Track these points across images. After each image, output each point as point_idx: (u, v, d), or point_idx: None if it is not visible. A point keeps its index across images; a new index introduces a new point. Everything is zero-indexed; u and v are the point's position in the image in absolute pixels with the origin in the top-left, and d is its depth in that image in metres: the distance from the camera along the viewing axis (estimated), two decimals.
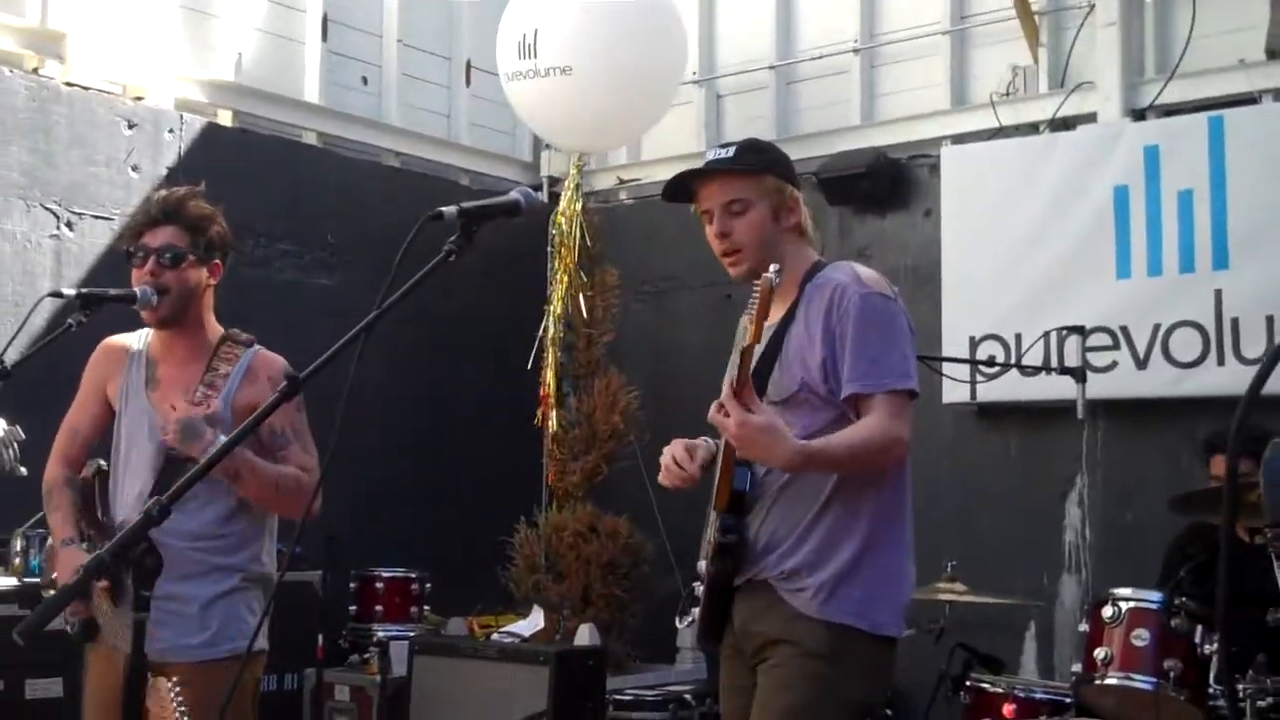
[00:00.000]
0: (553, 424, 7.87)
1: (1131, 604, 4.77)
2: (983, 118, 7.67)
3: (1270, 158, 6.58)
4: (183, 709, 3.08)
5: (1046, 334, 6.69)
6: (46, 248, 6.72)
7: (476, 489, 8.23)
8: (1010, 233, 7.20)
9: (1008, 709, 5.26)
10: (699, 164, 3.75)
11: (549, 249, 8.16)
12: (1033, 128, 7.51)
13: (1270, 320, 6.47)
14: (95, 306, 3.91)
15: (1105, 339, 6.83)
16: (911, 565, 3.61)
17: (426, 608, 7.27)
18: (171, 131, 7.23)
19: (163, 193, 4.08)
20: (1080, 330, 6.47)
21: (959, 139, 7.72)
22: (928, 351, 6.74)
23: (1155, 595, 4.76)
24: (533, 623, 7.14)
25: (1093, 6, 7.38)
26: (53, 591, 3.92)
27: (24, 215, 6.65)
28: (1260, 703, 4.46)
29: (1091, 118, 7.32)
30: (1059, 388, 6.44)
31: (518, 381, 8.01)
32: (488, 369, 8.35)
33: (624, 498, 7.84)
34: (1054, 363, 6.68)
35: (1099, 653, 4.75)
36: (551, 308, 7.93)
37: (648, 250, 8.66)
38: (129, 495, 3.95)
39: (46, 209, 6.73)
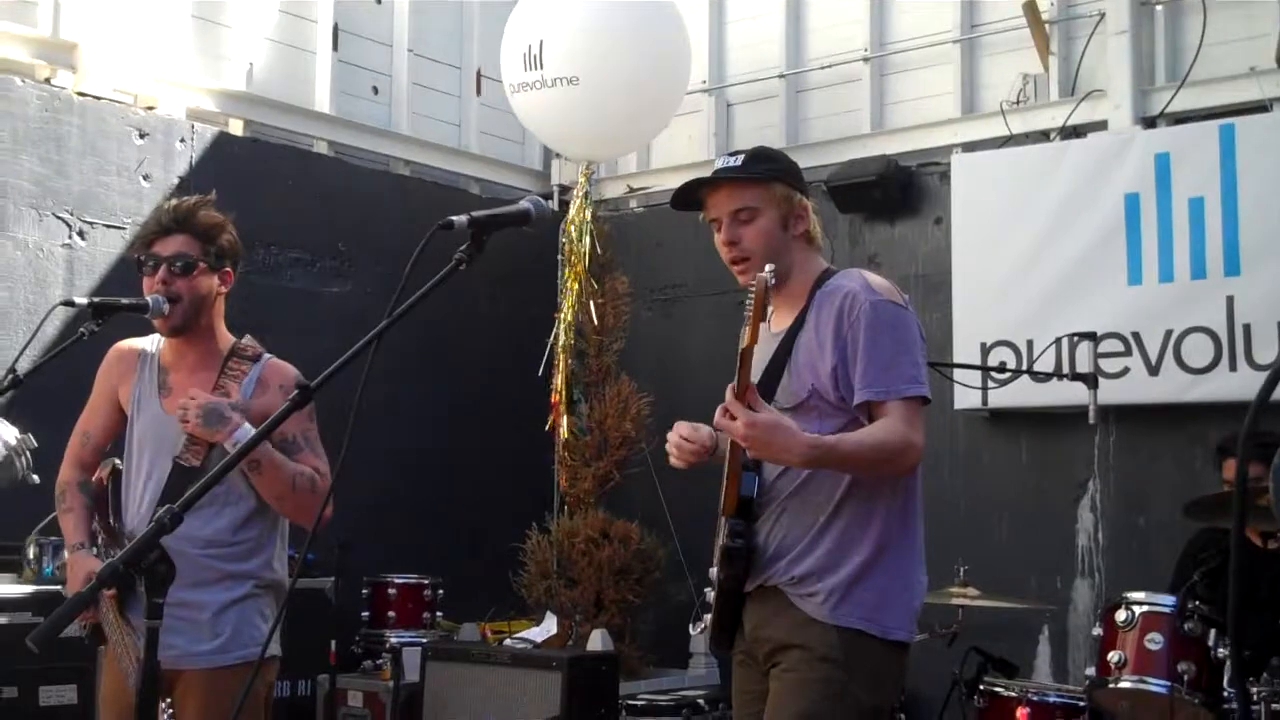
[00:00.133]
0: (564, 431, 7.89)
1: (1145, 608, 4.77)
2: (993, 126, 7.67)
3: None
4: None
5: (1058, 340, 6.69)
6: (59, 257, 6.74)
7: (488, 495, 8.24)
8: (1021, 240, 7.20)
9: (1021, 713, 5.26)
10: (708, 172, 3.75)
11: (559, 257, 8.18)
12: (1043, 136, 7.51)
13: None
14: (107, 315, 3.93)
15: (1117, 345, 6.82)
16: (923, 571, 3.61)
17: (439, 614, 7.28)
18: (183, 141, 7.25)
19: (173, 202, 4.09)
20: (1092, 336, 6.48)
21: (969, 147, 7.72)
22: (939, 358, 6.77)
23: (1168, 599, 4.76)
24: (545, 629, 7.16)
25: (1103, 15, 7.38)
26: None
27: (36, 224, 6.67)
28: (1275, 705, 4.47)
29: (1102, 125, 7.32)
30: (1071, 394, 6.44)
31: (529, 388, 8.02)
32: (499, 376, 8.36)
33: (636, 503, 7.85)
34: (1066, 369, 6.68)
35: (1112, 656, 4.75)
36: (562, 315, 7.94)
37: (658, 258, 8.67)
38: (138, 502, 3.97)
39: (58, 218, 6.76)
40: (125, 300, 3.97)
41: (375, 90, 8.54)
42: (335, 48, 8.20)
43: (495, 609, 7.65)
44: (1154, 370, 6.76)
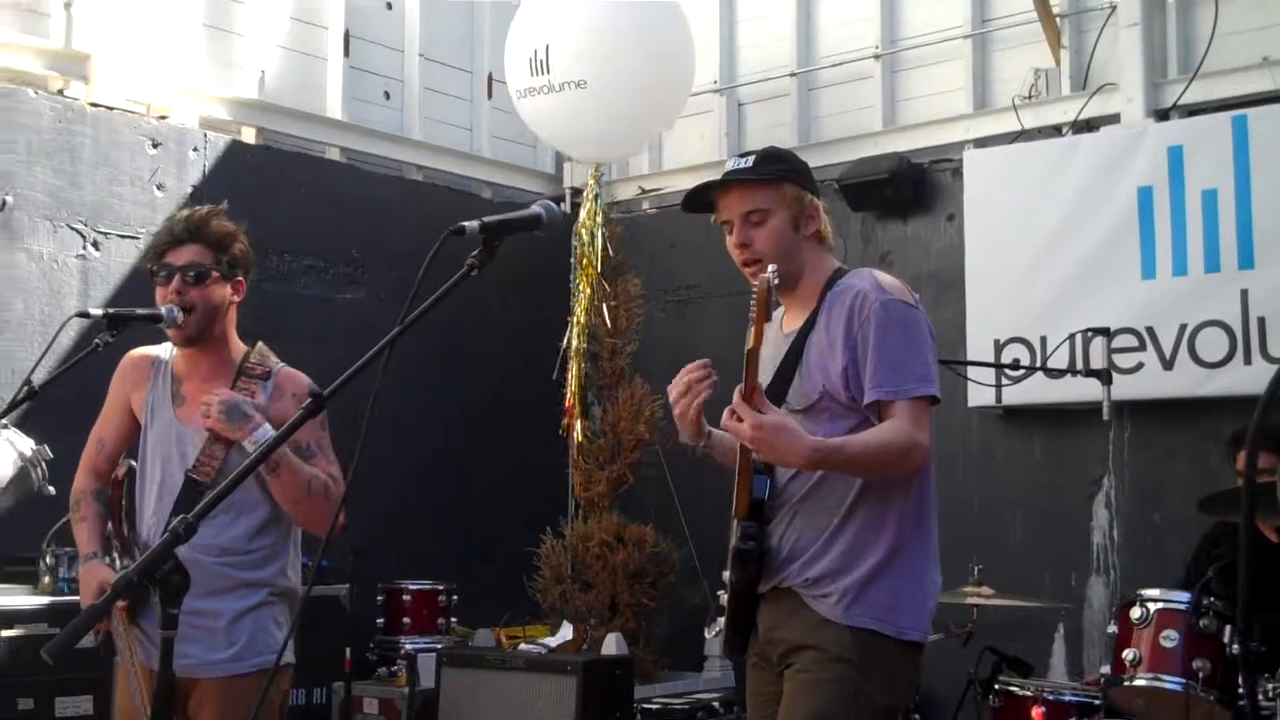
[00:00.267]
0: (578, 434, 7.89)
1: (1160, 605, 4.75)
2: (1005, 121, 7.66)
3: None
4: None
5: (1072, 336, 6.67)
6: (73, 268, 6.77)
7: (502, 500, 8.25)
8: (1034, 235, 7.19)
9: (1037, 712, 5.25)
10: (720, 172, 3.75)
11: (571, 260, 8.18)
12: (1055, 130, 7.49)
13: None
14: (122, 326, 3.94)
15: (1131, 340, 6.80)
16: (938, 571, 3.61)
17: (454, 619, 7.29)
18: (196, 150, 7.27)
19: (185, 212, 4.10)
20: (1105, 332, 6.46)
21: (981, 143, 7.71)
22: (952, 355, 6.76)
23: (1183, 596, 4.74)
24: (561, 637, 7.17)
25: (1114, 7, 7.37)
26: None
27: (50, 235, 6.70)
28: None
29: (1114, 119, 7.30)
30: (1085, 389, 6.42)
31: (543, 392, 8.03)
32: (512, 380, 8.37)
33: (650, 507, 7.86)
34: (1079, 365, 6.66)
35: (1127, 654, 4.74)
36: (574, 318, 7.94)
37: (670, 259, 8.67)
38: (151, 511, 3.98)
39: (73, 229, 6.78)
40: (140, 311, 3.98)
41: (387, 96, 8.56)
42: (346, 54, 8.21)
43: (510, 614, 7.66)
44: (1168, 365, 6.74)
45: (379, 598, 7.15)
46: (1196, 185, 6.77)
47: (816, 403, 3.51)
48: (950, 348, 7.05)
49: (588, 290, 7.94)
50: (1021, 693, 5.36)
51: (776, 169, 3.66)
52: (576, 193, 8.97)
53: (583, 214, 8.09)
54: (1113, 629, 4.87)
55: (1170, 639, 4.67)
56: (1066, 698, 5.33)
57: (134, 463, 4.08)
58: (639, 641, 7.47)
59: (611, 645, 6.91)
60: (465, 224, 2.92)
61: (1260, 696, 4.50)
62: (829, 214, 3.77)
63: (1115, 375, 6.32)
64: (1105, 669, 4.89)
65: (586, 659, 6.43)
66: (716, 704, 6.64)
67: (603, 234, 8.04)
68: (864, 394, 3.45)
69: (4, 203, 6.53)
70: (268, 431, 3.83)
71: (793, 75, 8.57)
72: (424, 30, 8.65)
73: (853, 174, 7.85)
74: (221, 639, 3.86)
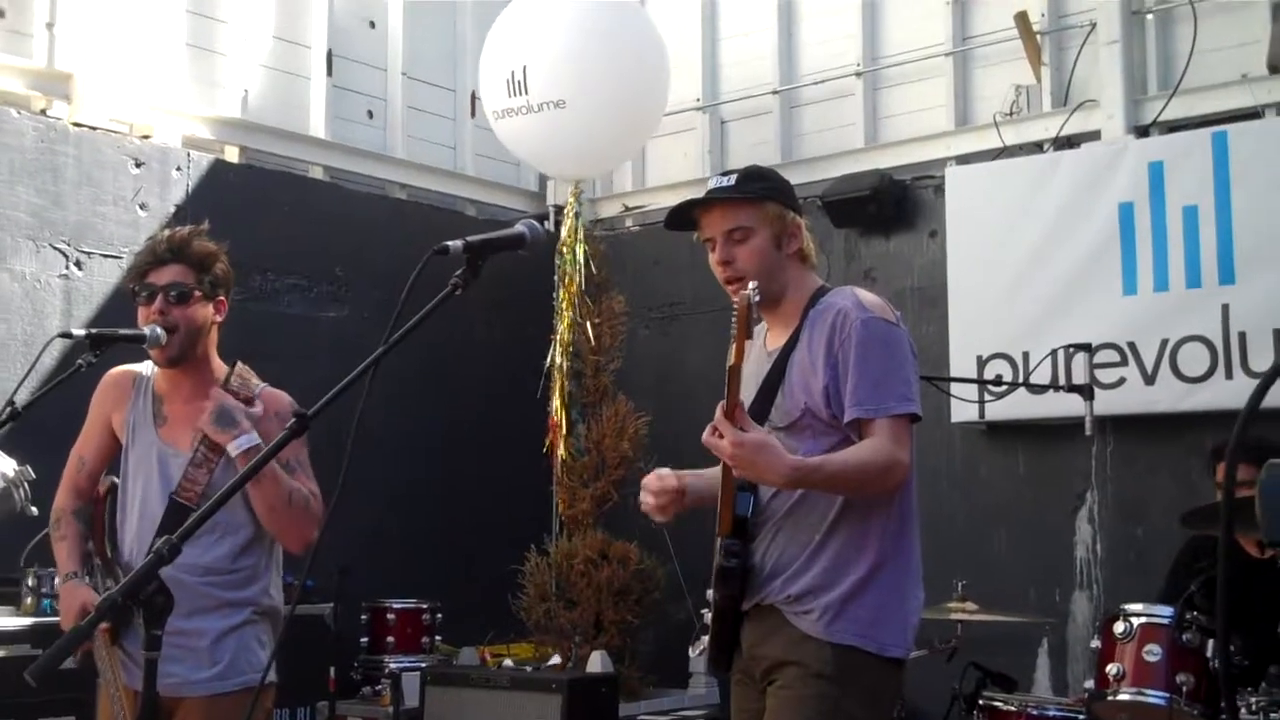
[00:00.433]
0: (562, 452, 7.89)
1: (1143, 619, 4.76)
2: (986, 138, 7.69)
3: (1274, 172, 6.59)
4: None
5: (1054, 352, 6.70)
6: (56, 287, 6.76)
7: (486, 518, 8.24)
8: (1016, 252, 7.21)
9: None
10: (703, 190, 3.76)
11: (555, 278, 8.19)
12: (1037, 147, 7.52)
13: (1278, 334, 6.47)
14: (105, 347, 3.93)
15: (1113, 355, 6.83)
16: (920, 587, 3.61)
17: (438, 638, 7.27)
18: (179, 169, 7.27)
19: (167, 232, 4.11)
20: (1087, 347, 6.48)
21: (963, 159, 7.74)
22: (935, 372, 6.78)
23: (1166, 611, 4.75)
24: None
25: (1094, 25, 7.40)
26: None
27: (33, 255, 6.69)
28: (1273, 715, 4.46)
29: (1095, 135, 7.34)
30: (1067, 405, 6.45)
31: (527, 410, 8.04)
32: (497, 399, 8.37)
33: (634, 524, 7.83)
34: (1062, 380, 6.69)
35: (1111, 669, 4.74)
36: (557, 336, 7.95)
37: (654, 277, 8.69)
38: (132, 531, 3.98)
39: (55, 249, 6.77)
40: (123, 331, 3.98)
41: (370, 114, 8.57)
42: (329, 73, 8.22)
43: (494, 632, 7.65)
44: (1150, 380, 6.76)
45: (363, 616, 7.13)
46: (1177, 201, 6.80)
47: (798, 420, 3.52)
48: (933, 364, 7.07)
49: (569, 308, 7.95)
50: (1006, 708, 5.36)
51: (759, 187, 3.68)
52: (560, 210, 8.95)
53: (564, 231, 8.11)
54: (1096, 644, 4.87)
55: (1153, 653, 4.67)
56: (1051, 713, 5.33)
57: (116, 480, 4.08)
58: (624, 659, 7.46)
59: (596, 663, 6.91)
60: (449, 243, 2.92)
61: (1243, 710, 4.51)
62: (811, 232, 3.78)
63: (1097, 390, 6.35)
64: (1089, 684, 4.90)
65: (571, 677, 6.42)
66: None
67: (584, 251, 8.05)
68: (845, 412, 3.46)
69: None
70: (252, 439, 3.85)
71: (775, 93, 8.60)
72: (407, 49, 8.67)
73: (835, 191, 7.87)
74: (205, 658, 3.86)
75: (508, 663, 7.02)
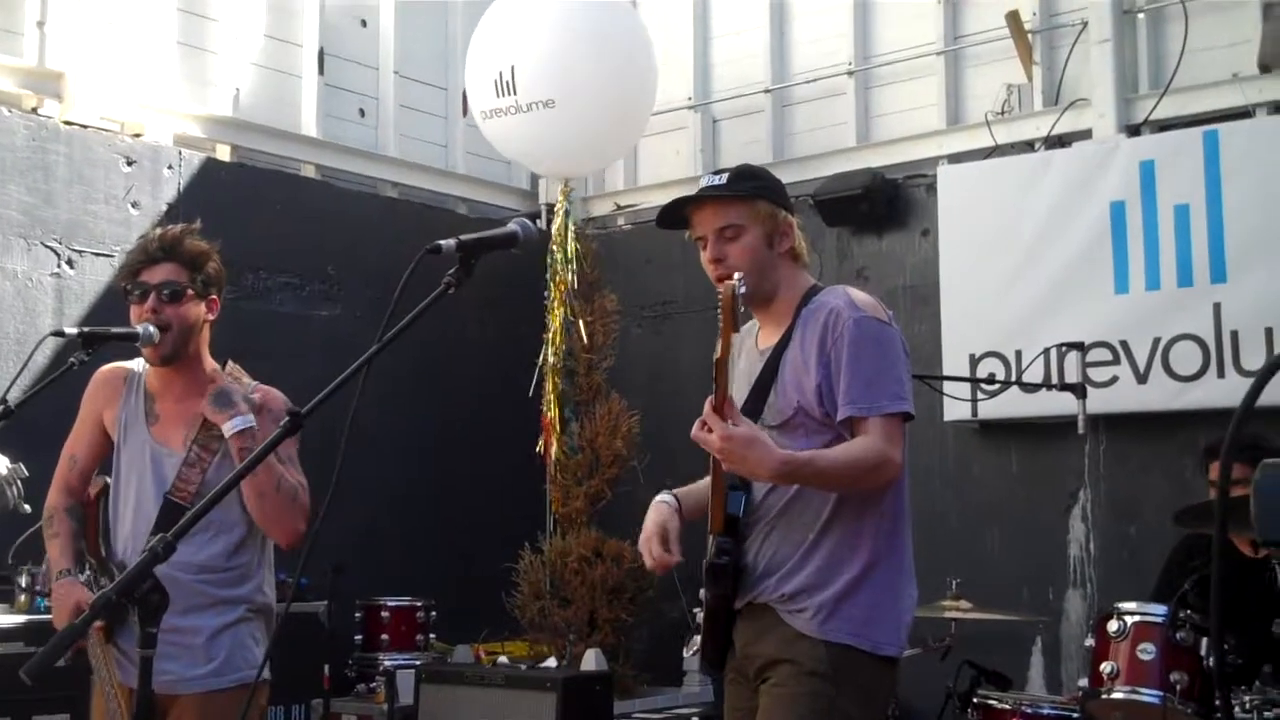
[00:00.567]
0: (555, 450, 7.89)
1: (1136, 618, 4.76)
2: (978, 137, 7.70)
3: (1265, 170, 6.61)
4: None
5: (1046, 350, 6.70)
6: (47, 286, 6.75)
7: (480, 516, 8.24)
8: (1008, 250, 7.22)
9: None
10: (695, 188, 3.76)
11: (548, 276, 8.19)
12: (1028, 145, 7.53)
13: (1269, 332, 6.49)
14: (98, 345, 3.93)
15: (1105, 354, 6.84)
16: (913, 585, 3.62)
17: (432, 636, 7.28)
18: (170, 167, 7.26)
19: (159, 231, 4.11)
20: (1080, 346, 6.48)
21: (955, 158, 7.74)
22: (928, 370, 6.78)
23: (1160, 609, 4.76)
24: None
25: (1086, 24, 7.42)
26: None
27: (24, 254, 6.68)
28: (1267, 714, 4.47)
29: (1086, 134, 7.35)
30: (1060, 403, 6.45)
31: (520, 409, 8.03)
32: (490, 397, 8.37)
33: (627, 522, 7.79)
34: (1054, 379, 6.69)
35: (1105, 667, 4.74)
36: (549, 334, 7.95)
37: (646, 275, 8.69)
38: (126, 530, 3.98)
39: (47, 247, 6.76)
40: (115, 330, 3.98)
41: (362, 113, 8.56)
42: (321, 71, 8.22)
43: (489, 630, 7.65)
44: (1142, 379, 6.78)
45: (357, 614, 7.14)
46: (1168, 200, 6.82)
47: (791, 419, 3.52)
48: (926, 362, 7.08)
49: (560, 306, 7.95)
50: (1000, 706, 5.36)
51: (750, 185, 3.68)
52: (552, 209, 8.97)
53: (553, 230, 8.12)
54: (1090, 642, 4.88)
55: (1147, 652, 4.68)
56: (1045, 711, 5.33)
57: (108, 479, 4.08)
58: (618, 657, 7.46)
59: (590, 661, 6.91)
60: (442, 243, 2.92)
61: (1237, 709, 4.52)
62: (803, 231, 3.78)
63: (1090, 389, 6.35)
64: (1083, 682, 4.90)
65: (566, 674, 6.42)
66: (696, 719, 6.64)
67: (575, 249, 8.06)
68: (838, 411, 3.46)
69: None
70: (248, 420, 3.87)
71: (767, 92, 8.61)
72: (398, 48, 8.66)
73: (827, 190, 7.88)
74: (200, 655, 3.87)
75: (502, 660, 7.01)
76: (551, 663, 7.01)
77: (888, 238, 7.91)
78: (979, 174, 7.49)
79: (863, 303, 3.54)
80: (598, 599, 7.56)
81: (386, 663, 6.95)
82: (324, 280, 7.89)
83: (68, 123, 6.91)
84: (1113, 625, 4.77)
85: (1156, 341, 6.76)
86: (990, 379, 7.02)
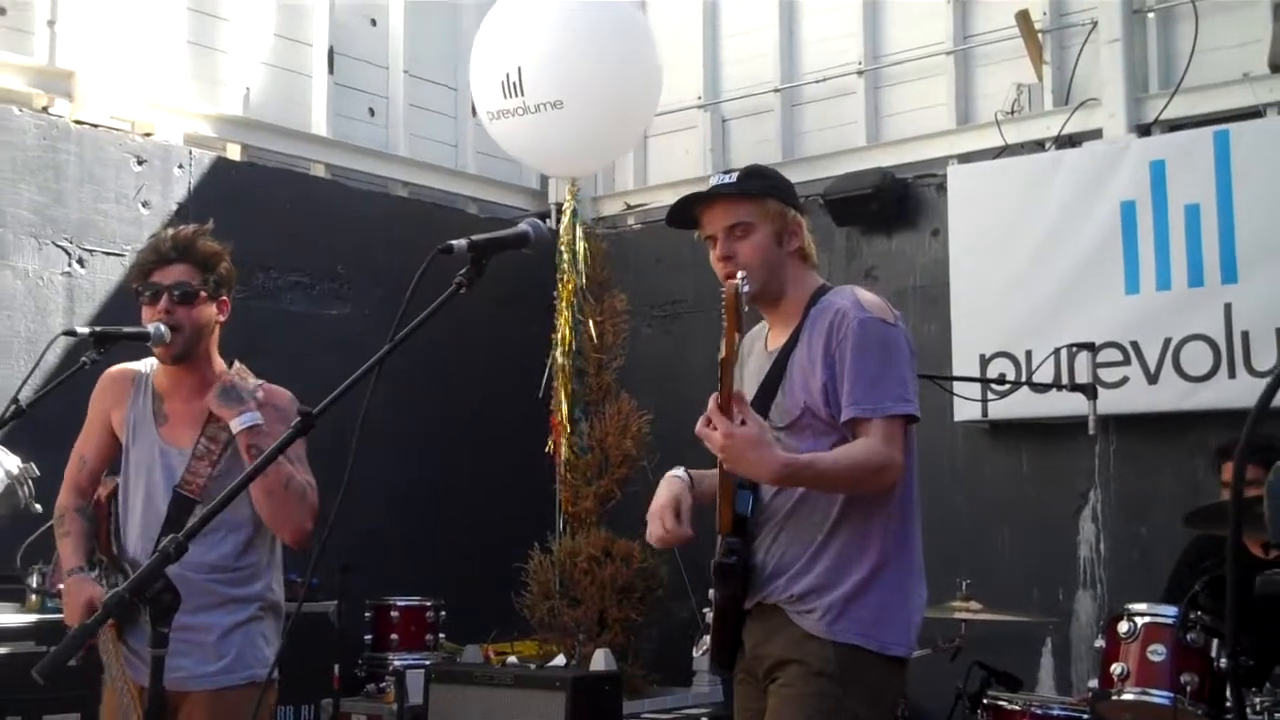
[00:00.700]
0: (565, 450, 7.90)
1: (1147, 619, 4.75)
2: (988, 136, 7.69)
3: (1276, 170, 6.60)
4: None
5: (1057, 351, 6.69)
6: (58, 285, 6.76)
7: (490, 516, 8.24)
8: (1018, 250, 7.21)
9: None
10: (704, 188, 3.76)
11: (557, 276, 8.20)
12: (1038, 145, 7.53)
13: None
14: (109, 344, 3.93)
15: (1115, 354, 6.83)
16: (923, 586, 3.61)
17: (442, 635, 7.29)
18: (181, 167, 7.27)
19: (171, 231, 4.10)
20: (1090, 346, 6.47)
21: (965, 158, 7.74)
22: (938, 370, 6.77)
23: (1170, 610, 4.75)
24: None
25: (1096, 23, 7.41)
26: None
27: (35, 253, 6.69)
28: (1278, 715, 4.46)
29: (1097, 134, 7.34)
30: (1070, 404, 6.44)
31: (530, 408, 8.04)
32: (500, 397, 8.37)
33: (637, 522, 7.73)
34: (1065, 379, 6.68)
35: (1115, 668, 4.74)
36: (558, 334, 7.96)
37: (656, 274, 8.69)
38: (136, 529, 3.98)
39: (58, 246, 6.77)
40: (127, 329, 3.98)
41: (372, 112, 8.57)
42: (331, 71, 8.23)
43: (498, 630, 7.66)
44: (1153, 379, 6.77)
45: (367, 614, 7.15)
46: (1179, 200, 6.80)
47: (798, 420, 3.51)
48: (936, 362, 7.07)
49: (568, 306, 7.95)
50: (1010, 707, 5.35)
51: (760, 184, 3.68)
52: (561, 208, 8.97)
53: (561, 230, 8.12)
54: (1100, 643, 4.87)
55: (1158, 653, 4.67)
56: (1055, 712, 5.32)
57: (119, 480, 4.09)
58: (627, 657, 7.46)
59: (600, 660, 6.91)
60: (454, 243, 2.91)
61: (1248, 710, 4.51)
62: (812, 232, 3.78)
63: (1100, 389, 6.33)
64: (1093, 683, 4.89)
65: (575, 674, 6.42)
66: (705, 719, 6.63)
67: (584, 249, 8.06)
68: (841, 412, 3.45)
69: None
70: (256, 417, 3.88)
71: (777, 91, 8.61)
72: (408, 47, 8.67)
73: (837, 189, 7.87)
74: (211, 652, 3.87)
75: (511, 660, 7.01)
76: (561, 662, 7.01)
77: (897, 237, 7.90)
78: (989, 174, 7.48)
79: (869, 303, 3.54)
80: (607, 599, 7.56)
81: (396, 662, 6.96)
82: (334, 279, 7.89)
83: (78, 122, 6.92)
84: (1123, 626, 4.76)
85: (1167, 342, 6.75)
86: (1000, 379, 7.02)
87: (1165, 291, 6.81)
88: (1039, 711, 5.30)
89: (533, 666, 6.77)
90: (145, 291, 3.98)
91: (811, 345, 3.53)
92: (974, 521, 7.36)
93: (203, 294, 3.98)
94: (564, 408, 7.92)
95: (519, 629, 7.76)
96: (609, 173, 9.22)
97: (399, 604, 7.18)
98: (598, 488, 7.95)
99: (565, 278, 8.02)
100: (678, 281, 8.55)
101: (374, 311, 7.79)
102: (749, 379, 3.64)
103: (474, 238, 2.95)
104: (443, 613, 7.28)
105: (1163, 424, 6.88)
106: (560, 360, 7.94)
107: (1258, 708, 4.50)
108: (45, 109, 6.89)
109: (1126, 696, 4.69)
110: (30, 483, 4.18)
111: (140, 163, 7.10)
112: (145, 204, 7.10)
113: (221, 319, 4.08)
